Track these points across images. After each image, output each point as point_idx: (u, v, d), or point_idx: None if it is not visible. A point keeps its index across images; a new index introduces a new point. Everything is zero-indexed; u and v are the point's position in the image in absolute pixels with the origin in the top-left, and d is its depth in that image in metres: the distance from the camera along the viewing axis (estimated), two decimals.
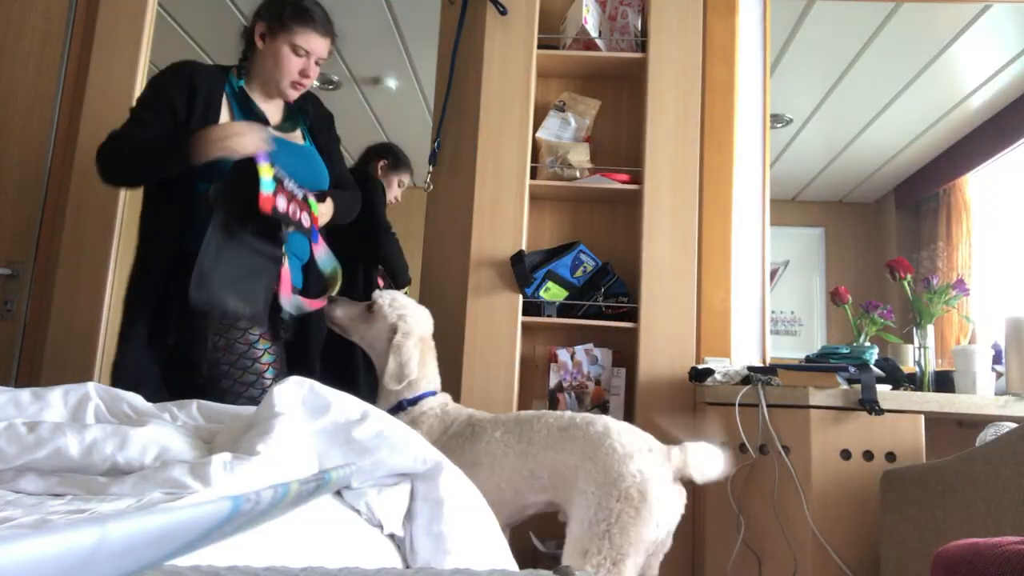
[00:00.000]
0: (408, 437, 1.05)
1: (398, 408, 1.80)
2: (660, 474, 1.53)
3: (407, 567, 1.03)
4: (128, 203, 2.59)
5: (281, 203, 1.67)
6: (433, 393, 1.84)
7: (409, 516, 1.07)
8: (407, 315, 1.85)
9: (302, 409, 1.01)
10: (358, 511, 1.03)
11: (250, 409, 1.09)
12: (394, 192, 2.99)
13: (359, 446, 1.01)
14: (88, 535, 0.28)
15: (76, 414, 1.11)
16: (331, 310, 1.91)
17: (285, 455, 0.90)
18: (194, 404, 1.18)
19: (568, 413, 1.67)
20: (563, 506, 1.61)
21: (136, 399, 1.17)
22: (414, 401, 1.81)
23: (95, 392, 1.16)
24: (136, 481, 0.86)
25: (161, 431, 0.98)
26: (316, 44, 1.97)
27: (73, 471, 0.91)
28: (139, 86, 2.60)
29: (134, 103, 1.91)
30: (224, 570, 0.51)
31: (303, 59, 1.95)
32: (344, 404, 1.04)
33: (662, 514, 1.50)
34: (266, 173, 1.63)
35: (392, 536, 1.06)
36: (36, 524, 0.73)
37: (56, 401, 1.12)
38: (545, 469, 1.61)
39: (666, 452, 1.57)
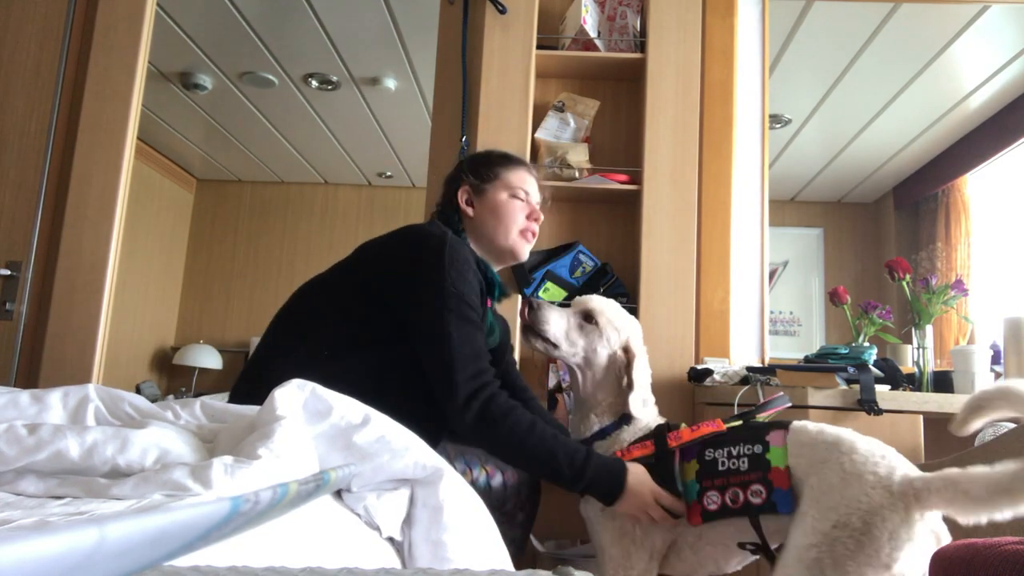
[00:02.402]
0: (409, 442, 1.05)
1: (619, 425, 1.62)
2: (894, 504, 1.23)
3: None
4: (128, 203, 2.58)
5: None
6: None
7: (408, 522, 1.06)
8: (634, 331, 1.68)
9: (303, 412, 1.01)
10: (358, 515, 1.03)
11: (253, 409, 1.09)
12: None
13: (360, 451, 1.00)
14: (88, 535, 0.28)
15: (76, 416, 1.11)
16: (538, 320, 1.62)
17: (286, 459, 0.90)
18: (197, 403, 1.18)
19: (815, 424, 1.45)
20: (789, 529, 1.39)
21: (138, 399, 1.17)
22: (627, 419, 1.62)
23: (95, 393, 1.15)
24: (137, 483, 0.86)
25: (162, 433, 0.98)
26: (531, 183, 1.77)
27: (73, 473, 0.91)
28: (138, 86, 2.60)
29: (448, 284, 1.48)
30: (224, 571, 0.51)
31: (524, 201, 1.74)
32: (345, 408, 1.03)
33: (894, 554, 1.20)
34: None
35: (392, 540, 1.06)
36: (36, 525, 0.73)
37: (56, 403, 1.11)
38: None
39: (909, 479, 1.25)
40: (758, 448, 1.42)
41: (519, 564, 1.86)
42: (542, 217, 1.79)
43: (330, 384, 1.08)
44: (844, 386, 2.08)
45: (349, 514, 1.02)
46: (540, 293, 2.49)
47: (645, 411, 1.63)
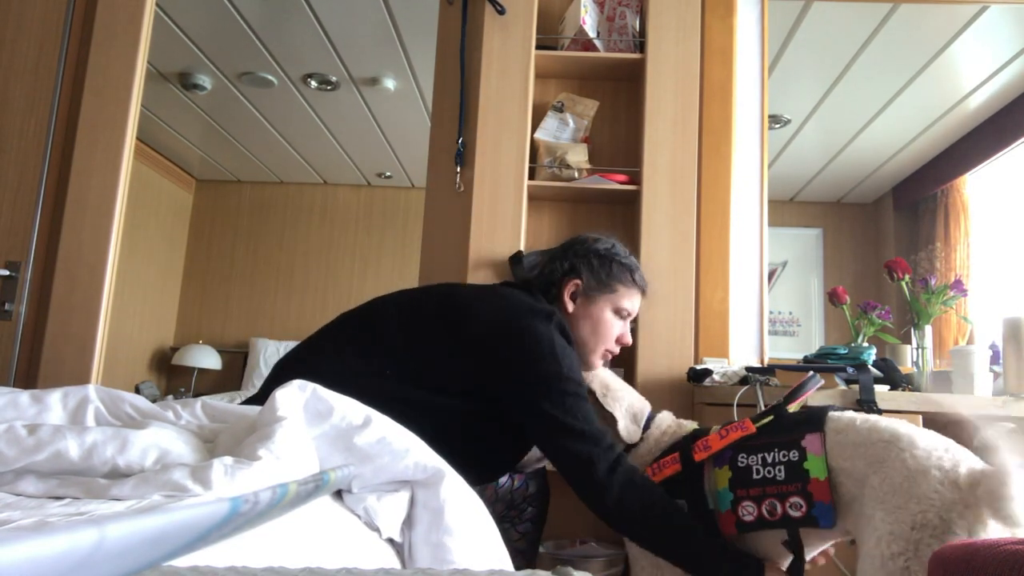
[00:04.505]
0: (409, 444, 1.05)
1: (631, 448, 1.62)
2: (965, 498, 1.17)
3: None
4: (127, 204, 2.58)
5: None
6: (650, 416, 1.67)
7: (409, 523, 1.06)
8: (590, 377, 1.67)
9: (304, 413, 1.00)
10: (358, 516, 1.03)
11: (254, 409, 1.09)
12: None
13: (360, 452, 1.00)
14: (87, 535, 0.28)
15: (76, 416, 1.11)
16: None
17: (287, 460, 0.90)
18: (198, 403, 1.18)
19: (850, 412, 1.40)
20: (852, 532, 1.33)
21: (138, 399, 1.17)
22: (645, 427, 1.63)
23: (95, 394, 1.15)
24: (136, 483, 0.86)
25: (162, 434, 0.98)
26: (637, 306, 1.74)
27: (73, 474, 0.91)
28: (137, 86, 2.60)
29: (564, 370, 1.45)
30: (223, 571, 0.51)
31: (622, 323, 1.70)
32: (346, 409, 1.03)
33: None
34: None
35: (392, 541, 1.06)
36: (35, 526, 0.73)
37: (55, 403, 1.11)
38: (832, 480, 1.34)
39: (975, 473, 1.18)
40: (795, 455, 1.35)
41: (535, 562, 1.86)
42: (630, 341, 1.73)
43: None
44: (843, 386, 2.08)
45: (349, 515, 1.02)
46: None
47: (635, 427, 1.61)
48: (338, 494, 1.04)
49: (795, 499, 1.33)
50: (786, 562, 1.43)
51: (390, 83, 4.39)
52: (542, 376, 1.42)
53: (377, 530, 1.02)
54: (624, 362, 2.51)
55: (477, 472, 1.41)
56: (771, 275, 2.95)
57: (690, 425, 1.63)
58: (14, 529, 0.72)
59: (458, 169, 2.64)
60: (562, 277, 1.66)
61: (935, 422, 2.11)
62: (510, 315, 1.50)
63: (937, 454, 1.22)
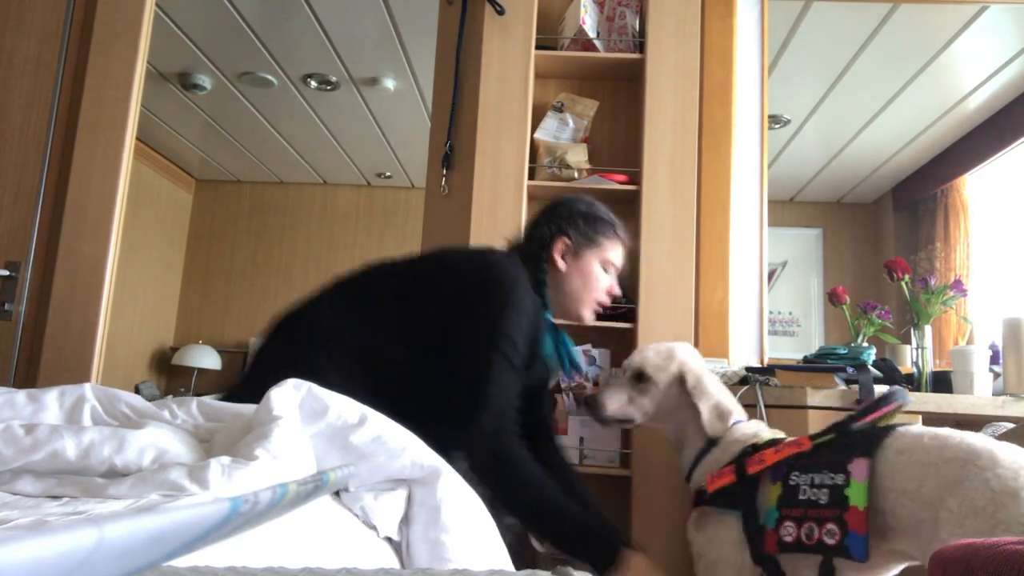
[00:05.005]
0: (406, 442, 1.05)
1: (708, 447, 1.60)
2: None
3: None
4: (127, 204, 2.58)
5: None
6: (739, 421, 1.64)
7: (406, 521, 1.06)
8: (681, 357, 1.68)
9: (300, 412, 1.00)
10: (355, 515, 1.03)
11: (249, 407, 1.09)
12: None
13: (356, 451, 1.00)
14: (87, 536, 0.28)
15: (72, 416, 1.10)
16: (599, 410, 1.68)
17: (284, 460, 0.90)
18: (194, 402, 1.18)
19: (918, 427, 1.31)
20: (919, 558, 1.24)
21: (134, 399, 1.17)
22: (714, 441, 1.61)
23: (91, 393, 1.15)
24: (134, 483, 0.86)
25: (159, 433, 0.98)
26: (623, 257, 1.81)
27: (70, 473, 0.91)
28: (137, 86, 2.60)
29: (511, 331, 1.49)
30: (223, 571, 0.51)
31: (610, 275, 1.78)
32: (342, 408, 1.03)
33: None
34: None
35: (390, 540, 1.06)
36: (33, 525, 0.73)
37: (52, 403, 1.11)
38: (888, 504, 1.25)
39: None
40: (840, 479, 1.29)
41: (525, 556, 1.85)
42: (619, 292, 1.81)
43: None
44: (843, 386, 2.08)
45: (347, 514, 1.02)
46: None
47: (720, 424, 1.60)
48: (335, 493, 1.04)
49: (831, 525, 1.29)
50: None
51: (390, 83, 4.39)
52: (490, 321, 1.49)
53: (375, 528, 1.02)
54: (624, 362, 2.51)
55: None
56: (771, 275, 2.95)
57: (770, 435, 1.59)
58: (13, 529, 0.72)
59: (444, 172, 2.64)
60: (551, 238, 1.73)
61: (935, 422, 2.12)
62: (482, 262, 1.60)
63: None
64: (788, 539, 1.34)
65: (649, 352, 1.73)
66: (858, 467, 1.29)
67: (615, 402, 1.69)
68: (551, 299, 1.72)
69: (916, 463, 1.24)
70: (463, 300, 1.52)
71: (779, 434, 1.62)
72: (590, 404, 1.73)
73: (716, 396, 1.65)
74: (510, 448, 1.45)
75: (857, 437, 1.38)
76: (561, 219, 1.76)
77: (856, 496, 1.26)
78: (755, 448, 1.51)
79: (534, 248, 1.75)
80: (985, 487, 1.12)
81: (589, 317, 1.78)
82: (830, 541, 1.27)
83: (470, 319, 1.50)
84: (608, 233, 1.77)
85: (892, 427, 1.37)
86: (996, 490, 1.11)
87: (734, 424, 1.64)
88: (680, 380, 1.66)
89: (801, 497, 1.34)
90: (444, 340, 1.49)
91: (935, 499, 1.18)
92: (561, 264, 1.73)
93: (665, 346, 1.75)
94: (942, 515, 1.16)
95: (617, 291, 1.81)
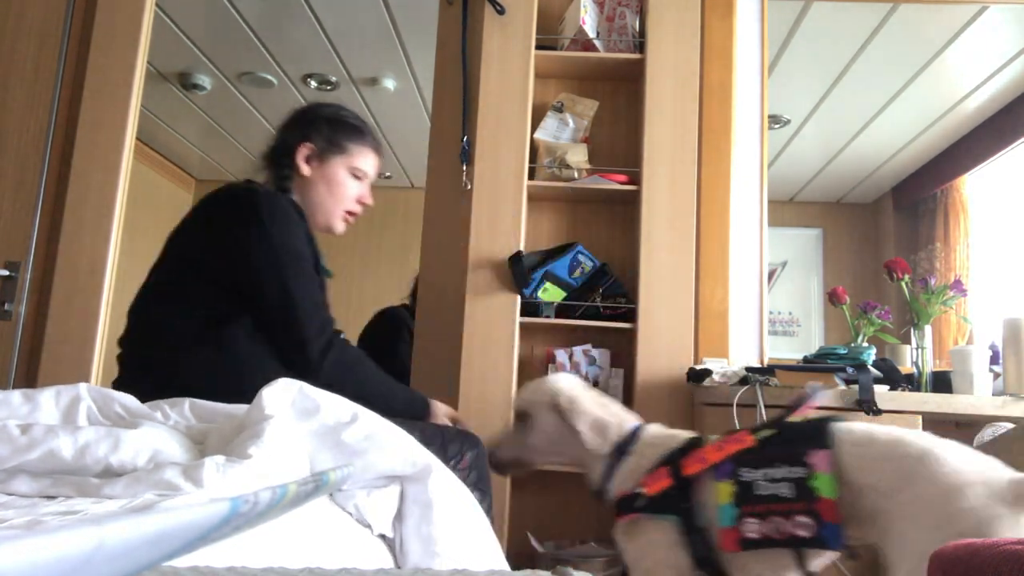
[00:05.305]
0: (398, 440, 1.05)
1: (619, 456, 1.54)
2: (1005, 514, 1.12)
3: (398, 567, 1.03)
4: (127, 204, 2.58)
5: None
6: (637, 426, 1.58)
7: (399, 517, 1.07)
8: (553, 385, 1.62)
9: (292, 411, 1.01)
10: (349, 513, 1.03)
11: (241, 408, 1.09)
12: None
13: (348, 448, 1.01)
14: (87, 536, 0.28)
15: (68, 415, 1.10)
16: (497, 462, 1.63)
17: (277, 458, 0.90)
18: (186, 403, 1.18)
19: (868, 426, 1.35)
20: (882, 549, 1.27)
21: (128, 399, 1.17)
22: (631, 440, 1.54)
23: (87, 393, 1.15)
24: (129, 482, 0.86)
25: (154, 433, 0.98)
26: (374, 165, 1.78)
27: (66, 473, 0.91)
28: (137, 86, 2.60)
29: (276, 240, 1.53)
30: (222, 571, 0.51)
31: (360, 183, 1.75)
32: (334, 406, 1.04)
33: None
34: None
35: (383, 537, 1.06)
36: (29, 525, 0.73)
37: (47, 402, 1.11)
38: (850, 495, 1.28)
39: (1009, 484, 1.16)
40: (800, 471, 1.30)
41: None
42: (371, 202, 1.78)
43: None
44: (843, 386, 2.08)
45: (340, 512, 1.02)
46: (539, 293, 2.49)
47: (600, 440, 1.55)
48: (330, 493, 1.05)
49: (802, 518, 1.28)
50: None
51: (390, 83, 4.39)
52: (259, 243, 1.50)
53: (369, 526, 1.03)
54: (624, 362, 2.51)
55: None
56: (771, 275, 2.95)
57: (684, 435, 1.56)
58: (10, 529, 0.72)
59: (464, 167, 2.63)
60: (294, 143, 1.70)
61: (935, 422, 2.12)
62: (212, 199, 1.66)
63: (973, 468, 1.18)
64: (752, 535, 1.33)
65: (525, 391, 1.66)
66: (819, 460, 1.30)
67: (505, 449, 1.63)
68: (304, 209, 1.68)
69: (876, 457, 1.28)
70: (220, 240, 1.55)
71: (688, 434, 1.57)
72: (489, 457, 1.67)
73: (593, 412, 1.58)
74: (335, 336, 1.54)
75: (798, 431, 1.39)
76: (305, 125, 1.74)
77: (825, 487, 1.28)
78: (691, 446, 1.47)
79: (277, 155, 1.73)
80: (939, 482, 1.18)
81: (339, 227, 1.74)
82: (804, 534, 1.28)
83: (240, 252, 1.51)
84: (355, 139, 1.73)
85: (826, 420, 1.38)
86: (947, 484, 1.17)
87: (635, 429, 1.57)
88: (554, 406, 1.58)
89: (762, 493, 1.34)
90: (236, 273, 1.51)
91: (890, 490, 1.24)
92: (305, 170, 1.69)
93: (540, 380, 1.68)
94: (895, 506, 1.22)
95: (369, 200, 1.76)
